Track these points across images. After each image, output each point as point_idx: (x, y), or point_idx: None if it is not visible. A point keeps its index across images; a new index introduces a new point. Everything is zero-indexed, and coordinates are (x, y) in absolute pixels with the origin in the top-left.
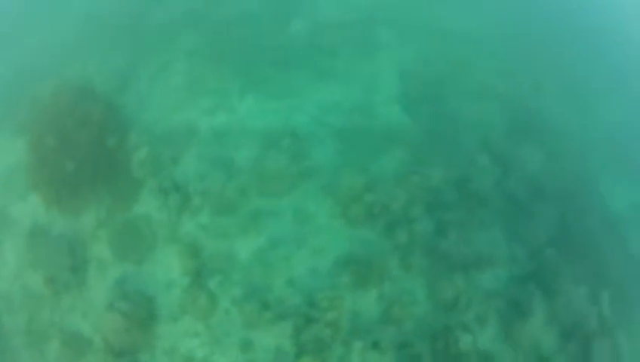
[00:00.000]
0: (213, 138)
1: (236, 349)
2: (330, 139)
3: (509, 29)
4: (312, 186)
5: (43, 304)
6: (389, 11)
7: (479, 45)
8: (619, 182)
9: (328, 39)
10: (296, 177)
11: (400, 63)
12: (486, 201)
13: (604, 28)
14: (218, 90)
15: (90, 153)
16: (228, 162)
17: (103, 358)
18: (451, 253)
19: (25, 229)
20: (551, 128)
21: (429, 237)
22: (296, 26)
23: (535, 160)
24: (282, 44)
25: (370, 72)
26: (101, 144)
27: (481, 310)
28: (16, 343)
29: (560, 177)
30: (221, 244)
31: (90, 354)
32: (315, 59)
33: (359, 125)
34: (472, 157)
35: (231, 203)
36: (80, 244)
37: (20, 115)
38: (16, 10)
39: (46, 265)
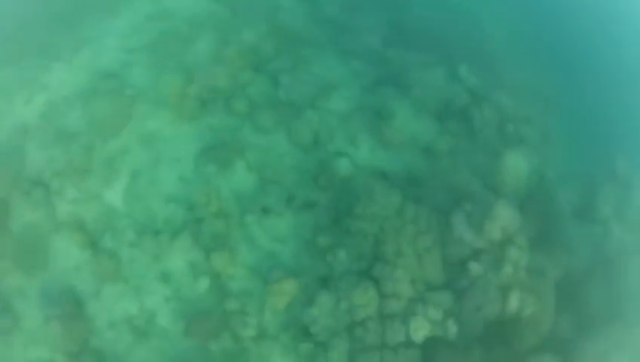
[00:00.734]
0: (43, 121)
1: (159, 284)
2: (142, 57)
3: None
4: (142, 108)
5: None
6: None
7: None
8: None
9: None
10: (124, 109)
11: None
12: (305, 36)
13: None
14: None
15: None
16: (64, 135)
17: None
18: (293, 97)
19: None
20: None
21: (268, 92)
22: None
23: None
24: None
25: None
26: None
27: (345, 132)
28: None
29: None
30: (95, 206)
31: None
32: None
33: (166, 28)
34: (276, 4)
35: (83, 165)
36: None
37: None
38: None
39: None
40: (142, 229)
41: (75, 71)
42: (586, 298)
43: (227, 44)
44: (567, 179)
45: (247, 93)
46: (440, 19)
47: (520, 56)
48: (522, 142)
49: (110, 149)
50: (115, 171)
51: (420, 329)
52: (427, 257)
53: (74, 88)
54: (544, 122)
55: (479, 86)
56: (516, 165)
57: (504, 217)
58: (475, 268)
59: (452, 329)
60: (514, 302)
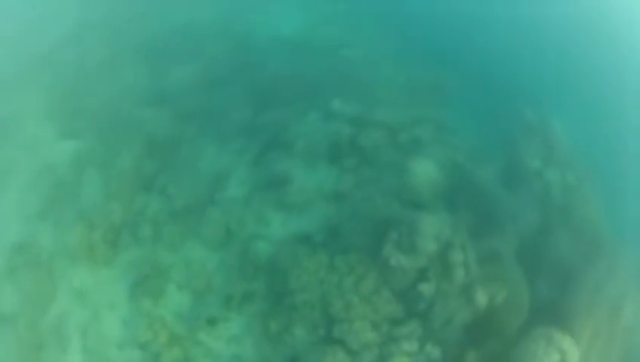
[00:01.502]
0: None
1: None
2: (42, 219)
3: None
4: (62, 268)
5: None
6: None
7: None
8: None
9: None
10: (48, 275)
11: None
12: (177, 137)
13: None
14: None
15: None
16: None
17: None
18: (190, 201)
19: None
20: None
21: (164, 208)
22: None
23: None
24: None
25: None
26: None
27: (251, 215)
28: None
29: None
30: None
31: None
32: None
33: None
34: (138, 118)
35: (36, 344)
36: None
37: None
38: None
39: None
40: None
41: None
42: (553, 250)
43: (110, 176)
44: (484, 154)
45: (146, 217)
46: (298, 67)
47: (393, 66)
48: (420, 144)
49: (52, 318)
50: (65, 337)
51: None
52: (377, 298)
53: None
54: (435, 113)
55: (357, 113)
56: (424, 170)
57: (432, 227)
58: (426, 287)
59: (434, 351)
60: (481, 298)
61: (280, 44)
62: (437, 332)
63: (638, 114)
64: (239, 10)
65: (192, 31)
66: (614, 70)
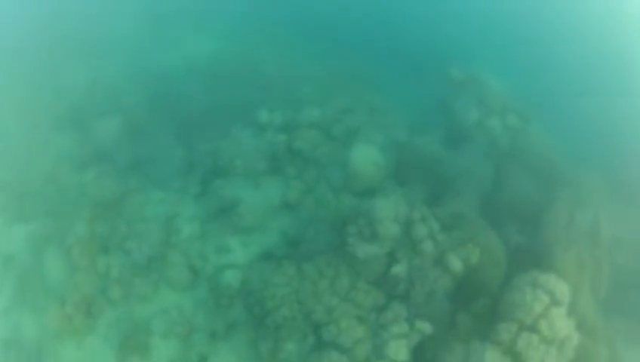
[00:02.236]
0: None
1: None
2: (16, 308)
3: None
4: (50, 350)
5: None
6: None
7: None
8: None
9: None
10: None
11: None
12: (119, 193)
13: None
14: None
15: None
16: None
17: None
18: (149, 252)
19: None
20: None
21: (127, 264)
22: None
23: None
24: None
25: None
26: None
27: (210, 247)
28: None
29: None
30: None
31: None
32: None
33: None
34: (79, 182)
35: None
36: None
37: None
38: None
39: None
40: None
41: None
42: (515, 195)
43: (68, 249)
44: (422, 124)
45: (112, 278)
46: (218, 92)
47: (311, 65)
48: (356, 132)
49: None
50: None
51: (400, 350)
52: (355, 293)
53: None
54: (364, 98)
55: (286, 119)
56: (366, 156)
57: (389, 210)
58: (399, 269)
59: (425, 326)
60: (455, 263)
61: (196, 76)
62: (422, 308)
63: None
64: (150, 50)
65: (107, 81)
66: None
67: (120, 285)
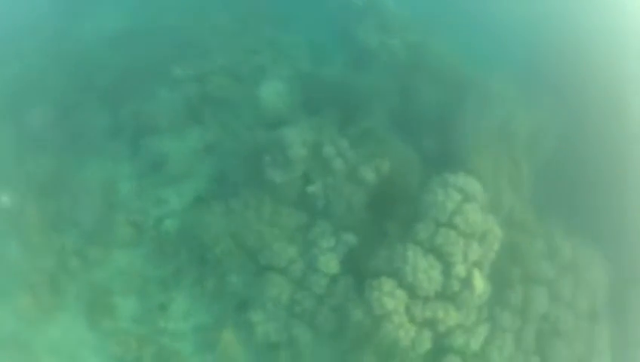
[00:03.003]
0: None
1: None
2: None
3: None
4: None
5: None
6: None
7: None
8: None
9: None
10: None
11: None
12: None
13: None
14: None
15: None
16: None
17: None
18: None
19: None
20: None
21: None
22: None
23: None
24: None
25: None
26: None
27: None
28: None
29: None
30: None
31: None
32: None
33: None
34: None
35: None
36: None
37: None
38: None
39: None
40: None
41: None
42: (423, 104)
43: (23, 233)
44: (326, 52)
45: (68, 250)
46: (131, 55)
47: (215, 14)
48: (263, 70)
49: None
50: None
51: (330, 262)
52: (279, 217)
53: None
54: (269, 38)
55: (198, 70)
56: (273, 90)
57: (297, 136)
58: (313, 188)
59: (350, 238)
60: (367, 173)
61: (112, 45)
62: (344, 220)
63: None
64: (68, 29)
65: (33, 68)
66: None
67: (76, 256)
